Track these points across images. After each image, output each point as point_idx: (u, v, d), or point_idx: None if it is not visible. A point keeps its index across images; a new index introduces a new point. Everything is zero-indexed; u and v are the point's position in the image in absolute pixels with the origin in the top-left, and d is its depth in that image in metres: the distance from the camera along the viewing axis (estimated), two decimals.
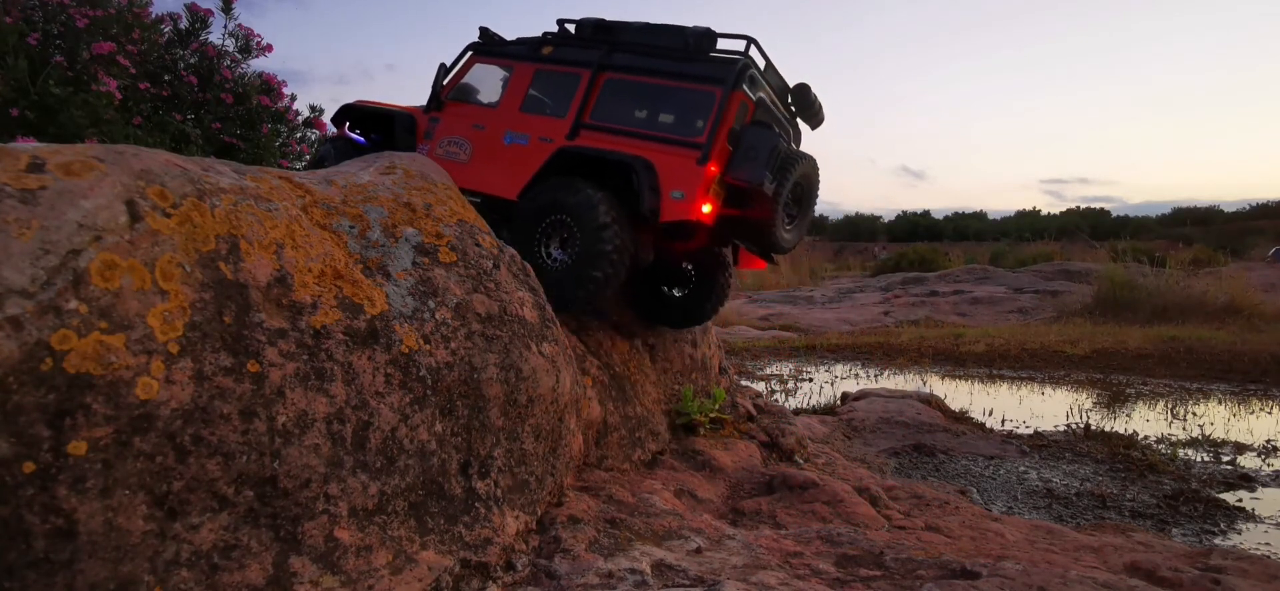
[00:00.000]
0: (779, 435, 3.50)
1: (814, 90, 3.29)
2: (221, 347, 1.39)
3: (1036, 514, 3.22)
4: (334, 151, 3.63)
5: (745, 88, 2.89)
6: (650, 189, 2.79)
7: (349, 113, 3.74)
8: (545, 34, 3.42)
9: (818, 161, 3.06)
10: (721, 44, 3.00)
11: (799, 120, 3.42)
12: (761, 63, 3.02)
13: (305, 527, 1.43)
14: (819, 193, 3.15)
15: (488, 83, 3.52)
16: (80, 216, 1.28)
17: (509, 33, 3.53)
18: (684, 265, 3.41)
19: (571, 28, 3.36)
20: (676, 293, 3.44)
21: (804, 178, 2.98)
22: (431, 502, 1.68)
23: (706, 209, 2.77)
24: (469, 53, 3.55)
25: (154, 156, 1.50)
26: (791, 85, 3.28)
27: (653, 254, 3.24)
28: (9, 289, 1.17)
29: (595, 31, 3.26)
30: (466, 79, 3.55)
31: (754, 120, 2.93)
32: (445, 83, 3.54)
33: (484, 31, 3.62)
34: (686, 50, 3.00)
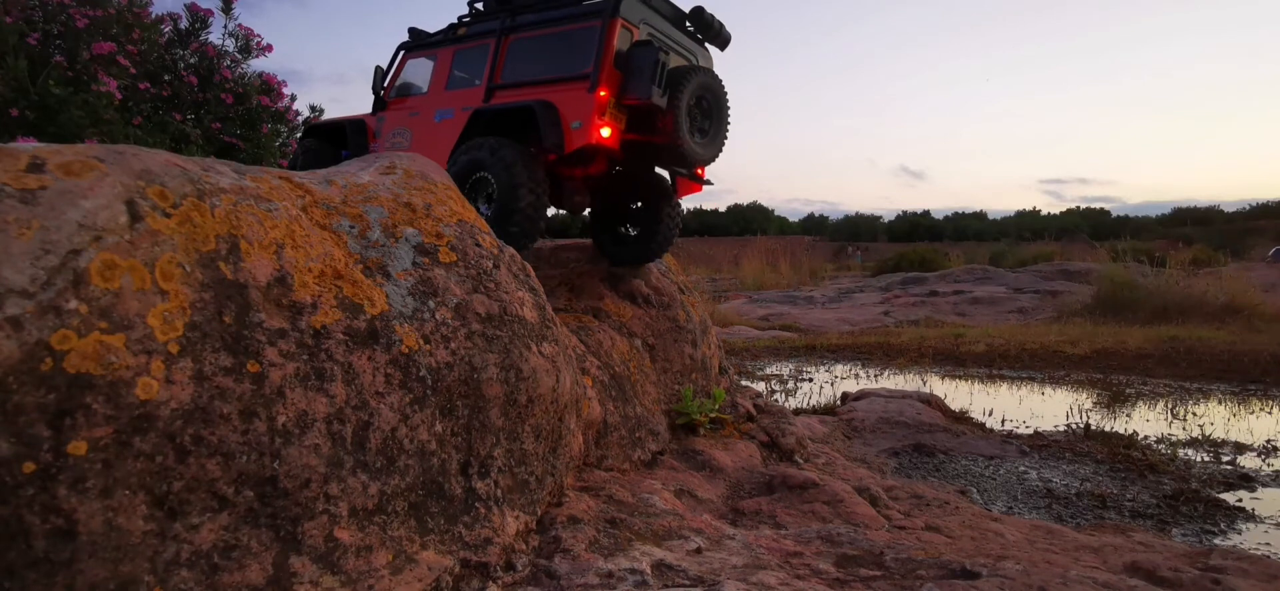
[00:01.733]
0: (779, 435, 3.49)
1: (708, 10, 3.48)
2: (221, 348, 1.39)
3: (1036, 514, 3.22)
4: (303, 152, 4.07)
5: (628, 16, 3.11)
6: (551, 125, 3.02)
7: (313, 130, 4.23)
8: (459, 17, 3.75)
9: (719, 76, 3.24)
10: None
11: (707, 45, 3.61)
12: None
13: (305, 527, 1.43)
14: (729, 105, 3.31)
15: (420, 74, 3.84)
16: (80, 216, 1.28)
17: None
18: (634, 204, 3.66)
19: (480, 6, 3.67)
20: (632, 231, 3.69)
21: (704, 89, 3.16)
22: (431, 502, 1.68)
23: (605, 132, 2.98)
24: (401, 52, 3.92)
25: (154, 156, 1.50)
26: (687, 11, 3.48)
27: (587, 195, 3.56)
28: (9, 289, 1.17)
29: (498, 3, 3.55)
30: (403, 77, 3.89)
31: (637, 43, 3.12)
32: (386, 84, 3.91)
33: (412, 31, 3.96)
34: None
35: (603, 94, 2.98)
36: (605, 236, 3.75)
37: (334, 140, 4.08)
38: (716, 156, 3.34)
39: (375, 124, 3.90)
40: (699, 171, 3.52)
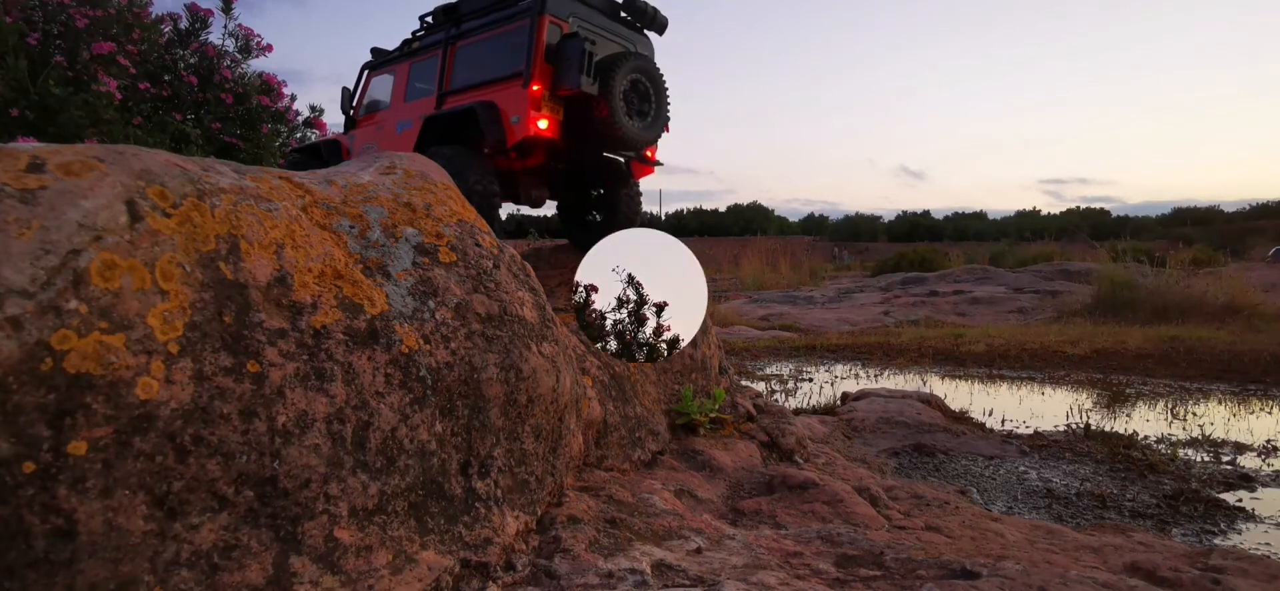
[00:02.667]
0: (779, 435, 3.49)
1: None
2: (221, 347, 1.39)
3: (1036, 514, 3.22)
4: (290, 168, 4.33)
5: (556, 12, 3.23)
6: (492, 123, 3.16)
7: (297, 150, 4.56)
8: (413, 32, 3.92)
9: (654, 60, 3.36)
10: None
11: (645, 31, 3.74)
12: None
13: (305, 527, 1.43)
14: (666, 86, 3.41)
15: (383, 90, 4.06)
16: (80, 216, 1.28)
17: None
18: (594, 192, 3.84)
19: (429, 19, 3.85)
20: (597, 217, 3.88)
21: (639, 73, 3.26)
22: (431, 502, 1.68)
23: (543, 124, 3.12)
24: (365, 72, 4.13)
25: (154, 156, 1.50)
26: (620, 0, 3.62)
27: (544, 189, 3.74)
28: (9, 289, 1.17)
29: (444, 15, 3.72)
30: (369, 95, 4.11)
31: (566, 36, 3.25)
32: (354, 103, 4.13)
33: (374, 51, 4.14)
34: (506, 1, 3.41)
35: (536, 88, 3.12)
36: (574, 227, 3.91)
37: (316, 159, 4.30)
38: (658, 137, 3.46)
39: (347, 142, 4.11)
40: (648, 153, 3.65)
